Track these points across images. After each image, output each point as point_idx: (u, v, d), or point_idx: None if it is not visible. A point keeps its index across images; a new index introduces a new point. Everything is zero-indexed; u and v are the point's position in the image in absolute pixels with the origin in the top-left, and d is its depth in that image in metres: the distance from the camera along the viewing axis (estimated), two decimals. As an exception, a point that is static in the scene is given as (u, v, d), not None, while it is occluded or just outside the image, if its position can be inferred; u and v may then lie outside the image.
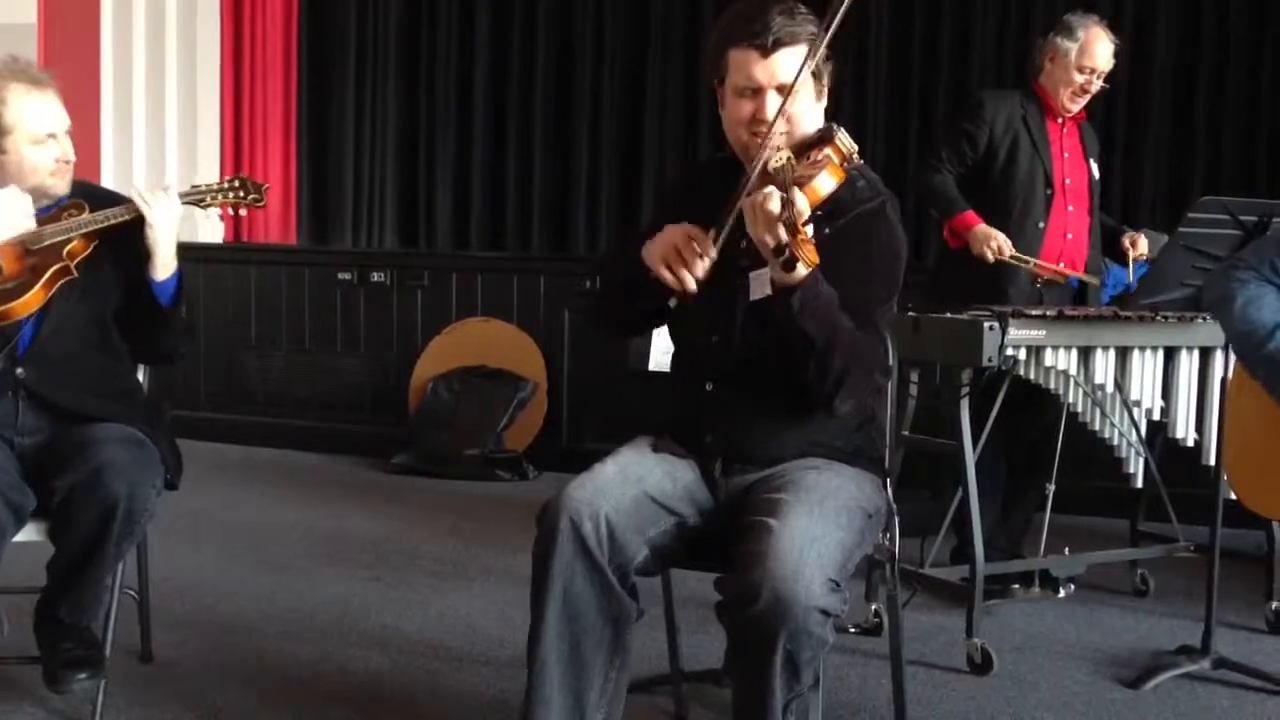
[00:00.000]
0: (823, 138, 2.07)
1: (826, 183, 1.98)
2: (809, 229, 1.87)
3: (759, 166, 2.03)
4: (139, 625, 2.92)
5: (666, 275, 2.05)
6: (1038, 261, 3.60)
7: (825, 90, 2.17)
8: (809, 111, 2.14)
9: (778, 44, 2.07)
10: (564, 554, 2.00)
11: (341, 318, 5.97)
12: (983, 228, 3.58)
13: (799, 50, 2.08)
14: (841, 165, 2.02)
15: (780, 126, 2.07)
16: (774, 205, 1.89)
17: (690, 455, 2.22)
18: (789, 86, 2.07)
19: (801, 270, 1.93)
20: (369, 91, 6.41)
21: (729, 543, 2.01)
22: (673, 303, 2.11)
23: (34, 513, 2.42)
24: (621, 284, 2.24)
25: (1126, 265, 3.72)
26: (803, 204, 1.90)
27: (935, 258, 4.04)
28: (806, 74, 2.08)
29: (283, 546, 4.11)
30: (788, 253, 1.88)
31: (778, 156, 2.01)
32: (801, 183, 1.94)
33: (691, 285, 2.04)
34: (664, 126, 5.98)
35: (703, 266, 2.04)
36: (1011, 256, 3.57)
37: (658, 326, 2.38)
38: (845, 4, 2.00)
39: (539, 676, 2.03)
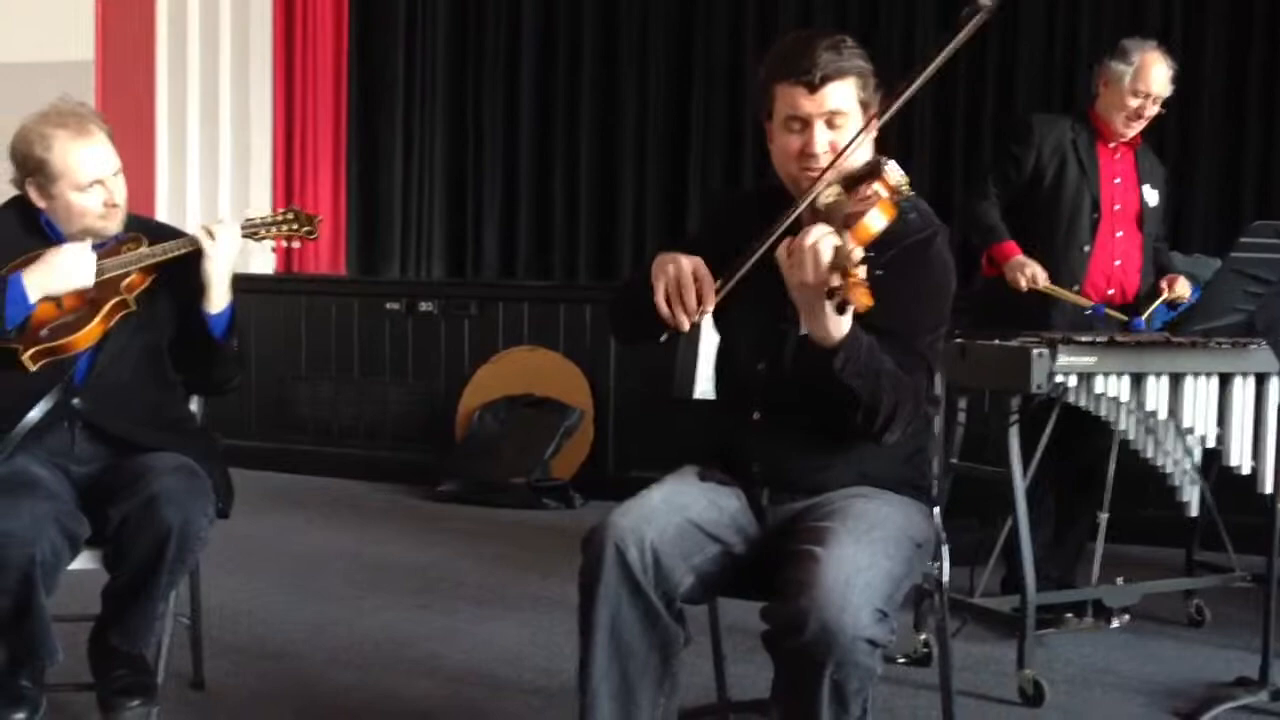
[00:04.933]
0: (870, 171, 2.04)
1: (877, 220, 1.95)
2: (860, 271, 1.82)
3: (807, 201, 2.01)
4: (191, 652, 2.94)
5: (664, 308, 2.06)
6: (1070, 296, 3.56)
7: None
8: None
9: (825, 80, 2.06)
10: (609, 580, 2.01)
11: (390, 347, 6.01)
12: (1019, 258, 3.55)
13: (847, 84, 2.08)
14: (892, 200, 1.99)
15: (828, 159, 2.07)
16: (825, 251, 1.87)
17: (736, 483, 2.21)
18: (838, 113, 2.06)
19: (848, 318, 1.90)
20: (417, 124, 6.48)
21: (775, 571, 2.00)
22: (663, 338, 2.09)
23: (89, 540, 2.45)
24: (639, 299, 2.17)
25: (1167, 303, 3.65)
26: (854, 245, 1.86)
27: (982, 283, 4.01)
28: (855, 105, 2.08)
29: (331, 574, 4.14)
30: (839, 296, 1.84)
31: (827, 192, 1.99)
32: (851, 221, 1.91)
33: (684, 327, 2.05)
34: (708, 156, 5.98)
35: (694, 319, 2.03)
36: (1044, 287, 3.53)
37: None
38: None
39: (591, 707, 2.03)
